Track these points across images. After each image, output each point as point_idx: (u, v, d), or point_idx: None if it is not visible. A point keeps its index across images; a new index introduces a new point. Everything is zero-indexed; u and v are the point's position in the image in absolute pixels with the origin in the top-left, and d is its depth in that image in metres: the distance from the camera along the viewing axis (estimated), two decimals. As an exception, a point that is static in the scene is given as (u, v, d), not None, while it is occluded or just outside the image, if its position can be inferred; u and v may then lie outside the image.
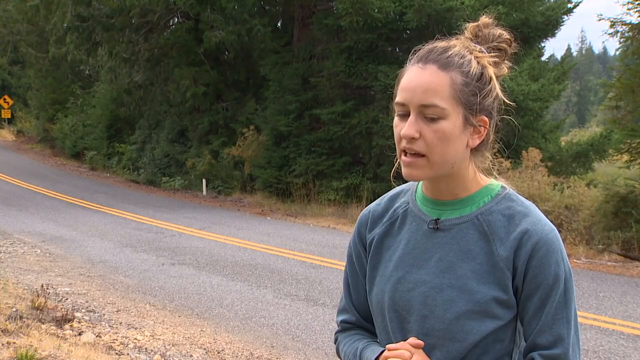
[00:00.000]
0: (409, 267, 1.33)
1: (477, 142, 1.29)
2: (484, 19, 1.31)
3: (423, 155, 1.24)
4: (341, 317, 1.51)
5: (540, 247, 1.25)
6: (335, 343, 1.53)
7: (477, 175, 1.34)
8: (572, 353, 1.26)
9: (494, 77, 1.28)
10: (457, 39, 1.31)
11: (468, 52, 1.27)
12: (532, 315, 1.26)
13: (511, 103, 1.33)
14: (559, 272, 1.26)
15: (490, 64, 1.28)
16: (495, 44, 1.29)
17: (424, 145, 1.24)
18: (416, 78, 1.24)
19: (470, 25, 1.31)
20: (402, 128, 1.25)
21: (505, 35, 1.30)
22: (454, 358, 1.27)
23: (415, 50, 1.30)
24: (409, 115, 1.25)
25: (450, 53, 1.25)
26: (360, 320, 1.47)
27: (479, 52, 1.28)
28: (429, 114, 1.23)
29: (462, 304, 1.25)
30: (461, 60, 1.25)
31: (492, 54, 1.29)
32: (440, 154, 1.24)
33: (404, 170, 1.28)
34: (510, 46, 1.31)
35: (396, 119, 1.28)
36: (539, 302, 1.25)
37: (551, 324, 1.25)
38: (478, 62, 1.26)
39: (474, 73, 1.25)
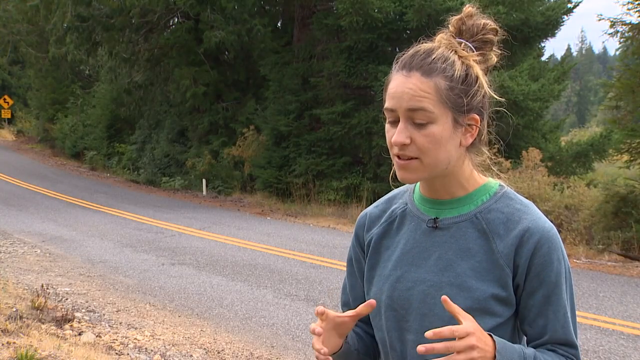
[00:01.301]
0: (408, 266, 1.33)
1: (470, 140, 1.29)
2: (467, 9, 1.30)
3: (416, 158, 1.25)
4: None
5: (542, 245, 1.26)
6: None
7: (474, 174, 1.34)
8: (578, 347, 1.30)
9: (480, 76, 1.27)
10: (442, 32, 1.30)
11: (452, 53, 1.26)
12: (537, 312, 1.27)
13: (500, 98, 1.33)
14: (560, 268, 1.27)
15: (475, 63, 1.27)
16: (481, 36, 1.29)
17: (416, 149, 1.24)
18: (402, 86, 1.24)
19: (453, 19, 1.30)
20: (393, 134, 1.26)
21: (490, 24, 1.30)
22: None
23: (398, 57, 1.30)
24: (397, 121, 1.26)
25: (433, 57, 1.25)
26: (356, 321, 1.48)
27: (463, 49, 1.27)
28: (417, 119, 1.24)
29: (461, 302, 1.25)
30: (444, 65, 1.24)
31: (477, 52, 1.28)
32: (433, 156, 1.25)
33: (398, 174, 1.29)
34: (496, 35, 1.30)
35: (387, 125, 1.29)
36: (543, 299, 1.26)
37: (556, 317, 1.27)
38: (462, 62, 1.26)
39: (458, 75, 1.24)
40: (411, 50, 1.28)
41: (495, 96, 1.32)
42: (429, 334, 1.12)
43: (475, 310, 1.24)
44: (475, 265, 1.28)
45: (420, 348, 1.11)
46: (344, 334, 1.33)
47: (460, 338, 1.13)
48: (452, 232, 1.31)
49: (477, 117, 1.28)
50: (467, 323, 1.15)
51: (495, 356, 1.17)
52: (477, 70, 1.27)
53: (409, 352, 1.32)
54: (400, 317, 1.33)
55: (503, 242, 1.27)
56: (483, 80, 1.28)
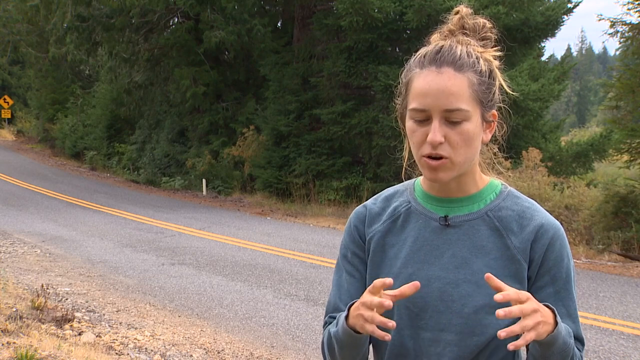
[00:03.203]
0: (420, 263, 1.33)
1: (490, 136, 1.32)
2: (464, 9, 1.31)
3: (447, 158, 1.25)
4: (329, 316, 1.46)
5: (555, 241, 1.30)
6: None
7: (481, 172, 1.36)
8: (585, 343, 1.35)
9: (498, 71, 1.30)
10: (438, 31, 1.32)
11: (472, 49, 1.27)
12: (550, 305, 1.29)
13: (515, 94, 1.36)
14: (569, 265, 1.32)
15: (493, 58, 1.30)
16: (483, 34, 1.31)
17: (449, 148, 1.25)
18: (434, 83, 1.23)
19: (454, 18, 1.31)
20: (422, 133, 1.25)
21: (488, 23, 1.32)
22: (472, 353, 1.28)
23: (416, 53, 1.30)
24: (427, 120, 1.25)
25: (459, 53, 1.25)
26: None
27: (474, 45, 1.29)
28: (453, 118, 1.24)
29: (480, 298, 1.26)
30: (471, 60, 1.25)
31: (492, 48, 1.31)
32: (464, 154, 1.26)
33: (428, 174, 1.28)
34: (493, 33, 1.32)
35: (412, 124, 1.27)
36: (555, 294, 1.30)
37: (568, 312, 1.31)
38: (484, 59, 1.28)
39: (485, 70, 1.26)
40: (432, 47, 1.28)
41: (512, 92, 1.34)
42: (498, 297, 1.13)
43: (494, 307, 1.24)
44: (490, 262, 1.29)
45: (500, 312, 1.11)
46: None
47: (522, 302, 1.14)
48: (464, 229, 1.32)
49: (496, 112, 1.31)
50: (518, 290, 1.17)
51: (556, 322, 1.19)
52: (495, 66, 1.30)
53: (424, 349, 1.32)
54: (413, 315, 1.32)
55: (518, 238, 1.30)
56: (500, 76, 1.31)
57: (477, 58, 1.26)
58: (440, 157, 1.25)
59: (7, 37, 24.05)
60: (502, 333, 1.12)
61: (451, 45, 1.27)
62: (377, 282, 1.19)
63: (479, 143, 1.28)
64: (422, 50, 1.29)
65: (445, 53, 1.25)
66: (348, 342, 1.30)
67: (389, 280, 1.18)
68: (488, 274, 1.17)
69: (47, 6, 18.77)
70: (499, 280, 1.17)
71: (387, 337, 1.20)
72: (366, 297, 1.21)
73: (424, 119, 1.25)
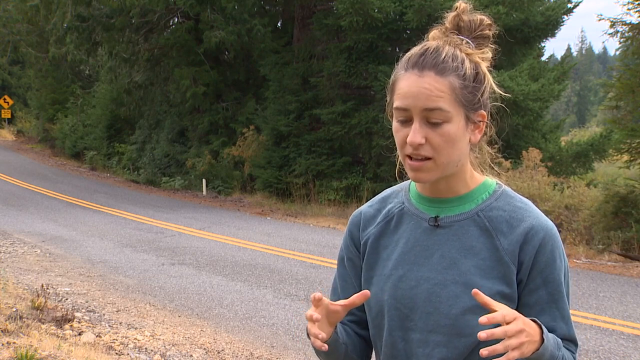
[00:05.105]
0: (410, 264, 1.33)
1: (479, 137, 1.30)
2: (462, 5, 1.29)
3: (430, 158, 1.25)
4: None
5: (546, 243, 1.28)
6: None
7: (474, 172, 1.35)
8: (578, 345, 1.34)
9: (487, 73, 1.29)
10: (436, 29, 1.30)
11: (459, 51, 1.26)
12: (540, 309, 1.29)
13: (507, 94, 1.35)
14: (562, 266, 1.30)
15: (481, 60, 1.28)
16: (479, 32, 1.29)
17: (431, 149, 1.24)
18: (415, 86, 1.23)
19: (450, 16, 1.30)
20: (404, 134, 1.25)
21: (486, 20, 1.30)
22: (461, 354, 1.28)
23: (405, 56, 1.28)
24: (410, 121, 1.25)
25: (443, 56, 1.24)
26: (344, 321, 1.46)
27: (466, 46, 1.27)
28: (433, 119, 1.23)
29: (467, 299, 1.25)
30: (455, 63, 1.24)
31: (480, 49, 1.29)
32: (447, 155, 1.25)
33: (411, 175, 1.28)
34: (491, 30, 1.31)
35: (396, 125, 1.28)
36: (547, 296, 1.29)
37: (561, 314, 1.30)
38: (470, 61, 1.26)
39: (469, 74, 1.25)
40: (418, 49, 1.27)
41: (502, 92, 1.33)
42: (482, 319, 1.12)
43: (481, 308, 1.24)
44: (479, 263, 1.28)
45: (482, 334, 1.11)
46: (334, 323, 1.32)
47: (508, 322, 1.13)
48: (454, 230, 1.31)
49: (484, 113, 1.29)
50: (506, 309, 1.16)
51: (543, 339, 1.19)
52: (484, 67, 1.28)
53: (414, 350, 1.32)
54: (404, 316, 1.32)
55: (507, 240, 1.28)
56: (490, 77, 1.30)
57: (462, 61, 1.25)
58: (422, 158, 1.25)
59: (7, 37, 24.03)
60: (484, 352, 1.13)
61: (437, 47, 1.26)
62: (313, 295, 1.26)
63: (463, 144, 1.27)
64: (410, 51, 1.28)
65: (429, 56, 1.24)
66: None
67: (318, 295, 1.25)
68: (475, 290, 1.17)
69: (47, 6, 18.77)
70: (486, 297, 1.16)
71: (324, 347, 1.26)
72: (308, 310, 1.27)
73: (406, 119, 1.25)
